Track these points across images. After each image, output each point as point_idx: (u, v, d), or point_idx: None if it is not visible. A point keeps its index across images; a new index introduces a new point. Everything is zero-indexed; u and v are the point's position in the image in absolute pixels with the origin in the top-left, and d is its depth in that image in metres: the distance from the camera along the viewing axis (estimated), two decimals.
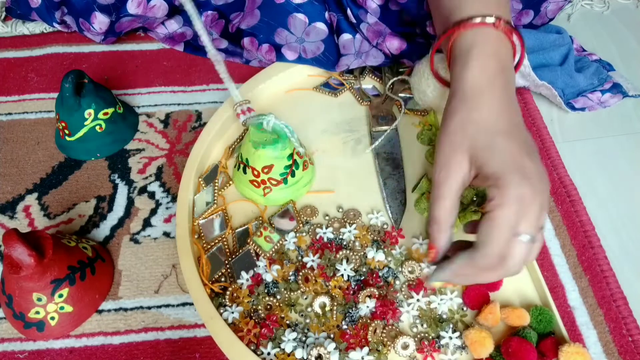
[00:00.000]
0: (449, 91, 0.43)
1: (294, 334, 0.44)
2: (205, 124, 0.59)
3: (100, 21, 0.66)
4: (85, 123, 0.57)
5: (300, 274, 0.47)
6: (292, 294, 0.46)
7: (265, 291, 0.47)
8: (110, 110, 0.59)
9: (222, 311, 0.45)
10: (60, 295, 0.45)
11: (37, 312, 0.45)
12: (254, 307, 0.46)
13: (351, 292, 0.46)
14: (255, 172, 0.51)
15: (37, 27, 0.74)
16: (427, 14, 0.56)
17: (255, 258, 0.49)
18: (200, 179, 0.55)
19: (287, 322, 0.45)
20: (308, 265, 0.48)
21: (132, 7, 0.63)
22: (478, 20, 0.42)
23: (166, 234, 0.53)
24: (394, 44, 0.59)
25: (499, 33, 0.43)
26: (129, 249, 0.52)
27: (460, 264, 0.38)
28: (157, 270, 0.50)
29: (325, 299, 0.46)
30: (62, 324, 0.46)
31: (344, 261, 0.48)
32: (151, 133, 0.62)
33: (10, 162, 0.60)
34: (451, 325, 0.44)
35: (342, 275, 0.47)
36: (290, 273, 0.47)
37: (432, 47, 0.47)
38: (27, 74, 0.69)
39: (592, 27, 0.75)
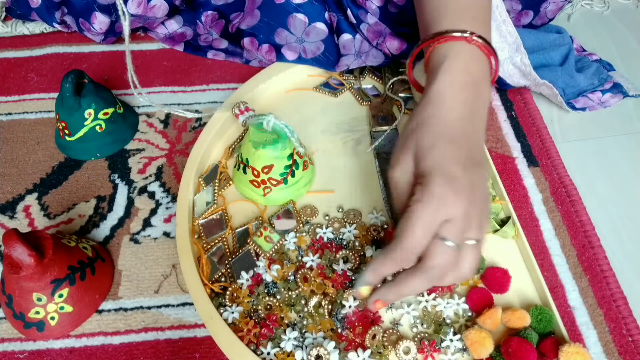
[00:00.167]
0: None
1: (295, 333, 0.44)
2: (205, 124, 0.59)
3: (100, 21, 0.66)
4: (85, 123, 0.57)
5: (299, 273, 0.47)
6: (291, 293, 0.46)
7: (265, 291, 0.47)
8: (110, 110, 0.59)
9: (222, 311, 0.45)
10: (60, 295, 0.45)
11: (37, 312, 0.45)
12: (254, 307, 0.46)
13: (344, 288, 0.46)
14: (255, 172, 0.51)
15: (37, 27, 0.74)
16: None
17: (255, 258, 0.49)
18: (200, 179, 0.55)
19: (287, 322, 0.45)
20: (307, 265, 0.48)
21: (132, 7, 0.63)
22: (452, 34, 0.44)
23: (166, 234, 0.53)
24: (394, 44, 0.59)
25: (472, 47, 0.44)
26: (129, 249, 0.52)
27: (378, 260, 0.39)
28: (157, 270, 0.50)
29: (319, 299, 0.46)
30: (62, 324, 0.46)
31: (341, 261, 0.48)
32: (151, 133, 0.62)
33: (10, 162, 0.60)
34: (452, 329, 0.44)
35: (340, 274, 0.47)
36: (290, 273, 0.47)
37: (409, 56, 0.49)
38: (27, 74, 0.69)
39: (592, 27, 0.75)
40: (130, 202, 0.56)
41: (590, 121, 0.62)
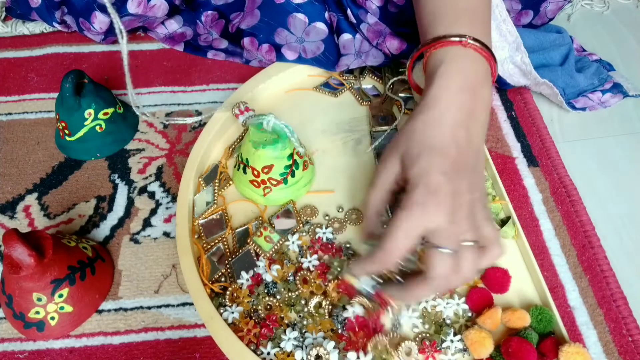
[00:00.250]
0: None
1: (295, 333, 0.44)
2: (205, 124, 0.59)
3: (100, 21, 0.66)
4: (85, 123, 0.57)
5: (299, 275, 0.47)
6: (291, 294, 0.46)
7: (265, 291, 0.47)
8: (110, 110, 0.59)
9: (222, 311, 0.45)
10: (60, 295, 0.45)
11: (37, 312, 0.45)
12: (254, 307, 0.46)
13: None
14: (255, 172, 0.51)
15: (37, 27, 0.74)
16: None
17: (255, 258, 0.49)
18: (200, 179, 0.55)
19: (287, 322, 0.45)
20: (305, 266, 0.48)
21: (132, 7, 0.63)
22: (448, 39, 0.44)
23: (166, 234, 0.53)
24: (394, 44, 0.59)
25: (468, 51, 0.44)
26: (129, 249, 0.52)
27: (363, 258, 0.42)
28: (157, 270, 0.50)
29: (320, 299, 0.46)
30: (62, 324, 0.46)
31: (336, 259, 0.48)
32: (151, 133, 0.62)
33: (10, 162, 0.60)
34: (453, 329, 0.44)
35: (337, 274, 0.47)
36: (290, 274, 0.47)
37: (409, 60, 0.49)
38: (27, 74, 0.69)
39: (592, 27, 0.75)
40: (130, 202, 0.56)
41: (590, 121, 0.62)
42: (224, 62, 0.70)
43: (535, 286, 0.47)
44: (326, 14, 0.61)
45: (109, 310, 0.48)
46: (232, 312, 0.45)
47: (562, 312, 0.46)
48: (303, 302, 0.46)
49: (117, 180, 0.57)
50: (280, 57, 0.63)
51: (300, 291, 0.46)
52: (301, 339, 0.44)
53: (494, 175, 0.53)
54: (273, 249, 0.49)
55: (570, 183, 0.55)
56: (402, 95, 0.61)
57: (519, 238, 0.49)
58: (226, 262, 0.49)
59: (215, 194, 0.53)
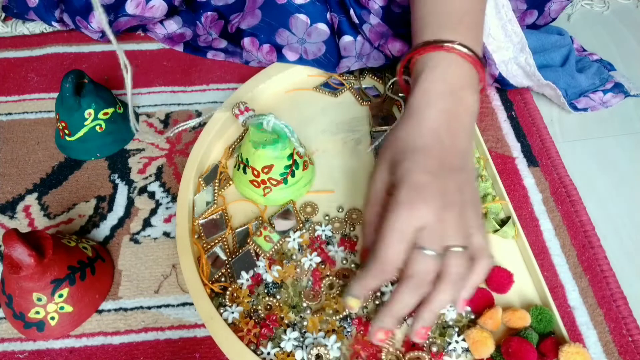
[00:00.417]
0: None
1: (295, 333, 0.44)
2: (205, 124, 0.59)
3: (98, 20, 0.65)
4: (85, 123, 0.57)
5: (312, 292, 0.46)
6: (296, 298, 0.46)
7: (265, 291, 0.47)
8: (110, 110, 0.59)
9: (222, 311, 0.45)
10: (60, 295, 0.45)
11: (37, 312, 0.45)
12: (254, 307, 0.46)
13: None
14: (255, 172, 0.51)
15: (37, 27, 0.74)
16: None
17: (255, 258, 0.49)
18: (200, 179, 0.55)
19: (287, 322, 0.45)
20: (306, 265, 0.48)
21: (130, 8, 0.63)
22: (432, 45, 0.44)
23: (166, 234, 0.53)
24: (395, 46, 0.59)
25: (452, 56, 0.44)
26: (129, 249, 0.52)
27: (362, 275, 0.39)
28: (157, 270, 0.50)
29: (333, 280, 0.46)
30: (62, 324, 0.46)
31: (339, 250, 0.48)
32: (151, 133, 0.62)
33: (10, 162, 0.60)
34: (457, 329, 0.44)
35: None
36: (305, 279, 0.47)
37: (399, 65, 0.49)
38: (27, 74, 0.69)
39: (592, 27, 0.75)
40: (130, 202, 0.56)
41: (590, 121, 0.62)
42: (224, 62, 0.70)
43: (535, 286, 0.47)
44: (328, 15, 0.61)
45: (109, 310, 0.48)
46: (232, 312, 0.45)
47: (562, 312, 0.46)
48: (305, 304, 0.46)
49: (117, 180, 0.57)
50: (281, 58, 0.63)
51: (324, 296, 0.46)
52: (301, 339, 0.44)
53: (494, 175, 0.53)
54: (273, 249, 0.49)
55: (570, 183, 0.55)
56: (402, 95, 0.61)
57: (519, 238, 0.49)
58: (226, 262, 0.49)
59: (215, 194, 0.53)
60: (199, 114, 0.64)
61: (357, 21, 0.60)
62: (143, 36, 0.73)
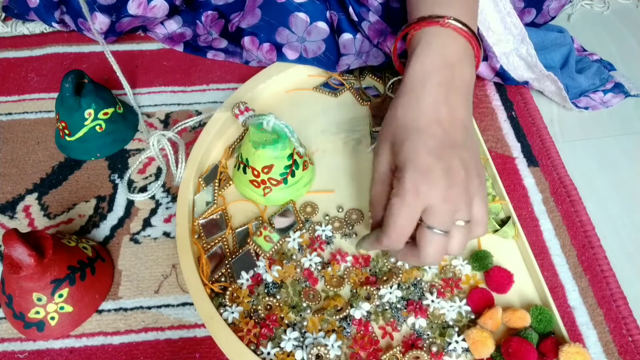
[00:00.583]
0: None
1: (295, 333, 0.44)
2: (205, 124, 0.59)
3: (100, 21, 0.65)
4: (85, 123, 0.57)
5: (311, 291, 0.47)
6: (295, 298, 0.46)
7: (265, 291, 0.47)
8: (110, 110, 0.59)
9: (222, 311, 0.45)
10: (60, 295, 0.45)
11: (37, 312, 0.45)
12: (254, 307, 0.46)
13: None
14: (255, 172, 0.51)
15: (37, 27, 0.74)
16: None
17: (255, 258, 0.49)
18: (200, 179, 0.55)
19: (287, 322, 0.45)
20: (306, 265, 0.48)
21: (132, 8, 0.63)
22: (427, 20, 0.45)
23: (166, 234, 0.53)
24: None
25: (447, 31, 0.44)
26: (129, 249, 0.52)
27: (371, 241, 0.43)
28: (157, 270, 0.50)
29: (346, 265, 0.48)
30: (62, 324, 0.46)
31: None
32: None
33: (10, 162, 0.60)
34: (457, 329, 0.44)
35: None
36: (303, 279, 0.47)
37: (394, 42, 0.50)
38: (27, 74, 0.69)
39: (592, 27, 0.75)
40: (130, 202, 0.56)
41: (590, 121, 0.62)
42: (224, 62, 0.70)
43: (535, 286, 0.47)
44: (327, 13, 0.61)
45: (109, 310, 0.48)
46: (232, 312, 0.45)
47: (562, 312, 0.46)
48: (305, 304, 0.46)
49: (117, 180, 0.57)
50: (281, 57, 0.63)
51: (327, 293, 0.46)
52: (301, 339, 0.44)
53: (494, 175, 0.53)
54: (273, 249, 0.49)
55: (570, 183, 0.55)
56: None
57: (519, 238, 0.49)
58: (226, 262, 0.49)
59: (215, 194, 0.53)
60: (199, 114, 0.64)
61: (356, 19, 0.60)
62: (143, 36, 0.73)
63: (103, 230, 0.53)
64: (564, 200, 0.54)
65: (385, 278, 0.47)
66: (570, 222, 0.52)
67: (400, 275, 0.47)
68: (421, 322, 0.44)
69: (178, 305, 0.48)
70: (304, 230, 0.51)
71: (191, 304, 0.48)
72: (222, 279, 0.48)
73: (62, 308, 0.45)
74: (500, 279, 0.46)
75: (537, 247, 0.50)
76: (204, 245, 0.50)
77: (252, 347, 0.43)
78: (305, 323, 0.45)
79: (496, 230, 0.50)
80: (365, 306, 0.45)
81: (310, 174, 0.54)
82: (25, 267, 0.43)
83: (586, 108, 0.62)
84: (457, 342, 0.43)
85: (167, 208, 0.55)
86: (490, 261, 0.48)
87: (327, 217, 0.52)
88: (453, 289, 0.46)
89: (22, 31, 0.74)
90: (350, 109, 0.62)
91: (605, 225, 0.52)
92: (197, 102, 0.66)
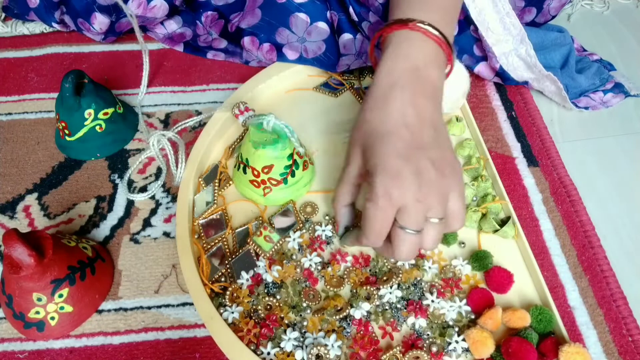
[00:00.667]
0: None
1: (295, 333, 0.44)
2: (205, 124, 0.59)
3: (100, 22, 0.66)
4: (85, 123, 0.57)
5: (310, 291, 0.47)
6: (295, 298, 0.46)
7: (265, 291, 0.47)
8: (110, 110, 0.59)
9: (222, 311, 0.45)
10: (60, 295, 0.45)
11: (37, 312, 0.45)
12: (254, 307, 0.46)
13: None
14: (255, 172, 0.51)
15: (37, 27, 0.74)
16: None
17: (255, 258, 0.49)
18: (200, 179, 0.55)
19: (287, 322, 0.45)
20: (306, 265, 0.48)
21: (132, 8, 0.63)
22: (397, 23, 0.45)
23: (166, 234, 0.53)
24: None
25: (416, 34, 0.44)
26: (129, 249, 0.52)
27: (352, 240, 0.46)
28: (157, 270, 0.50)
29: (346, 265, 0.48)
30: (62, 324, 0.46)
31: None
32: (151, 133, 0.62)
33: (10, 162, 0.60)
34: (457, 329, 0.44)
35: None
36: (303, 280, 0.47)
37: (369, 45, 0.50)
38: (27, 74, 0.69)
39: (592, 27, 0.75)
40: (130, 202, 0.56)
41: (590, 121, 0.62)
42: (224, 62, 0.70)
43: (535, 286, 0.47)
44: (328, 14, 0.61)
45: (109, 310, 0.48)
46: (232, 312, 0.45)
47: (562, 312, 0.46)
48: (305, 304, 0.46)
49: (117, 180, 0.57)
50: (281, 57, 0.63)
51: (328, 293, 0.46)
52: (301, 339, 0.44)
53: (494, 175, 0.53)
54: (273, 249, 0.49)
55: (570, 183, 0.55)
56: None
57: (519, 238, 0.49)
58: (226, 262, 0.49)
59: (215, 194, 0.53)
60: (199, 114, 0.64)
61: (356, 19, 0.60)
62: (143, 36, 0.73)
63: (103, 230, 0.53)
64: (564, 200, 0.54)
65: (385, 278, 0.47)
66: (570, 222, 0.52)
67: (400, 275, 0.47)
68: (421, 322, 0.44)
69: (178, 305, 0.48)
70: (304, 230, 0.51)
71: (191, 304, 0.48)
72: (222, 279, 0.48)
73: (62, 308, 0.45)
74: (500, 279, 0.46)
75: (537, 247, 0.50)
76: (204, 245, 0.50)
77: (252, 347, 0.43)
78: (305, 323, 0.45)
79: (496, 230, 0.50)
80: (365, 306, 0.45)
81: (310, 174, 0.54)
82: (25, 267, 0.43)
83: (586, 108, 0.62)
84: (457, 342, 0.43)
85: (167, 208, 0.55)
86: (490, 261, 0.48)
87: (327, 217, 0.52)
88: (453, 289, 0.46)
89: (22, 31, 0.74)
90: (350, 109, 0.62)
91: (605, 225, 0.52)
92: (197, 102, 0.66)
